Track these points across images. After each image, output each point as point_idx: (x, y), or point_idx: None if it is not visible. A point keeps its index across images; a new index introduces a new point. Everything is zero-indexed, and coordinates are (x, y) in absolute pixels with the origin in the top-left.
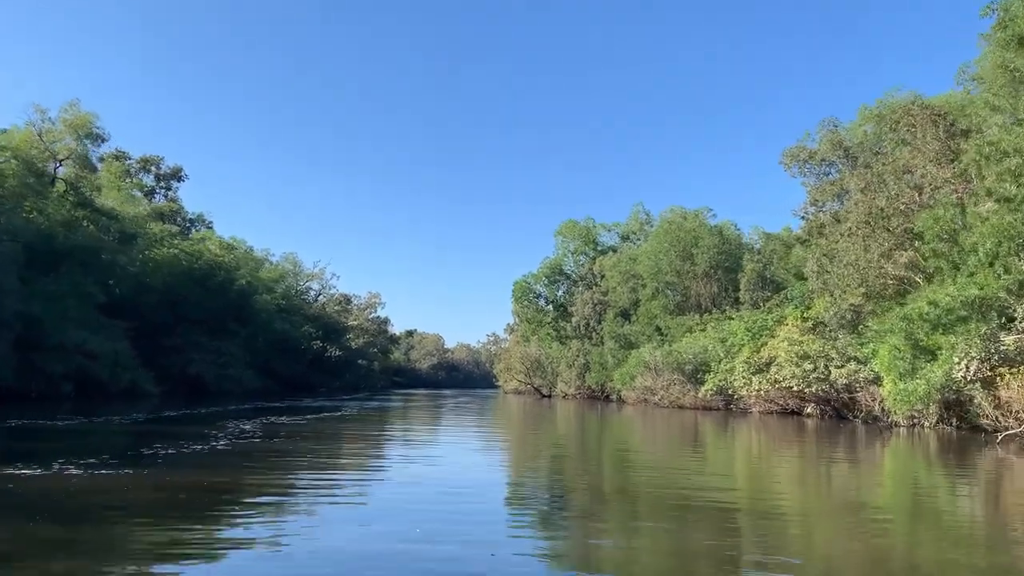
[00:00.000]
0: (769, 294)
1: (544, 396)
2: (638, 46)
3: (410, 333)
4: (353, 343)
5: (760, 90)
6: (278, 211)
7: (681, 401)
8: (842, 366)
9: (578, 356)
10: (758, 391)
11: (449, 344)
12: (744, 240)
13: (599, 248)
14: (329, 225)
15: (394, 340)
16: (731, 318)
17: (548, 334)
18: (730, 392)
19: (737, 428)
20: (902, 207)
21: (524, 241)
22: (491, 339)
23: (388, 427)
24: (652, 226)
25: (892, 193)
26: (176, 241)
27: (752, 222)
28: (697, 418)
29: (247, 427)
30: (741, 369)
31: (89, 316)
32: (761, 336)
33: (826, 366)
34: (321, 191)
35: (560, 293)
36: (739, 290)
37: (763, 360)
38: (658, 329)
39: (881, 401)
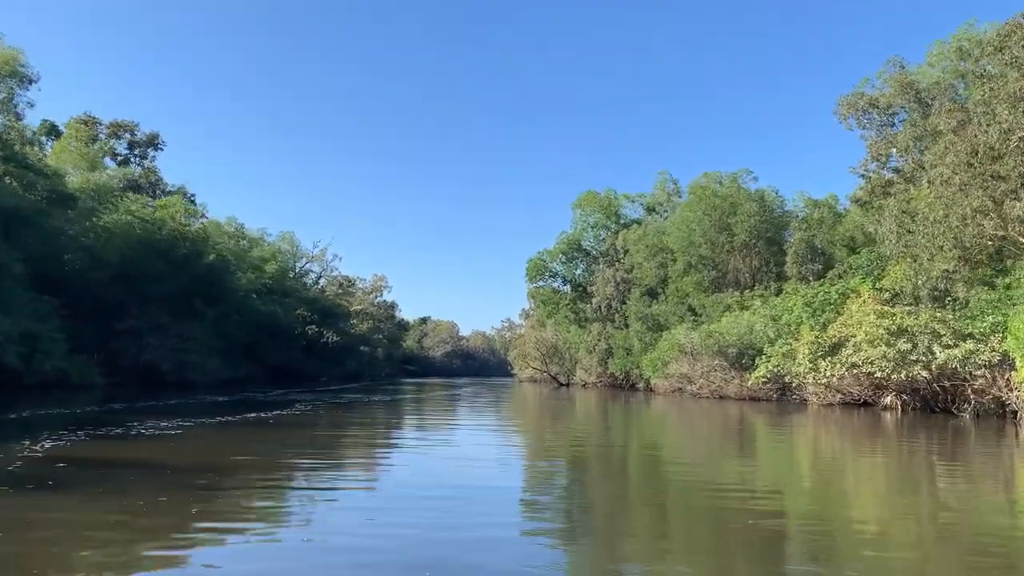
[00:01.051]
0: (819, 267)
1: (562, 385)
2: (651, 10)
3: (423, 320)
4: (357, 328)
5: (782, 63)
6: (285, 195)
7: (724, 390)
8: (953, 345)
9: (599, 340)
10: (828, 377)
11: (464, 332)
12: (787, 208)
13: (622, 221)
14: (343, 210)
15: (403, 326)
16: (785, 292)
17: (566, 317)
18: (786, 379)
19: (797, 424)
20: (1020, 144)
21: (543, 226)
22: (505, 325)
23: (351, 440)
24: (681, 197)
25: (1004, 127)
26: (134, 207)
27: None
28: (744, 411)
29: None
30: (805, 351)
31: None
32: (824, 312)
33: (929, 346)
34: (334, 173)
35: (579, 272)
36: (783, 264)
37: (832, 340)
38: (691, 309)
39: (1009, 388)
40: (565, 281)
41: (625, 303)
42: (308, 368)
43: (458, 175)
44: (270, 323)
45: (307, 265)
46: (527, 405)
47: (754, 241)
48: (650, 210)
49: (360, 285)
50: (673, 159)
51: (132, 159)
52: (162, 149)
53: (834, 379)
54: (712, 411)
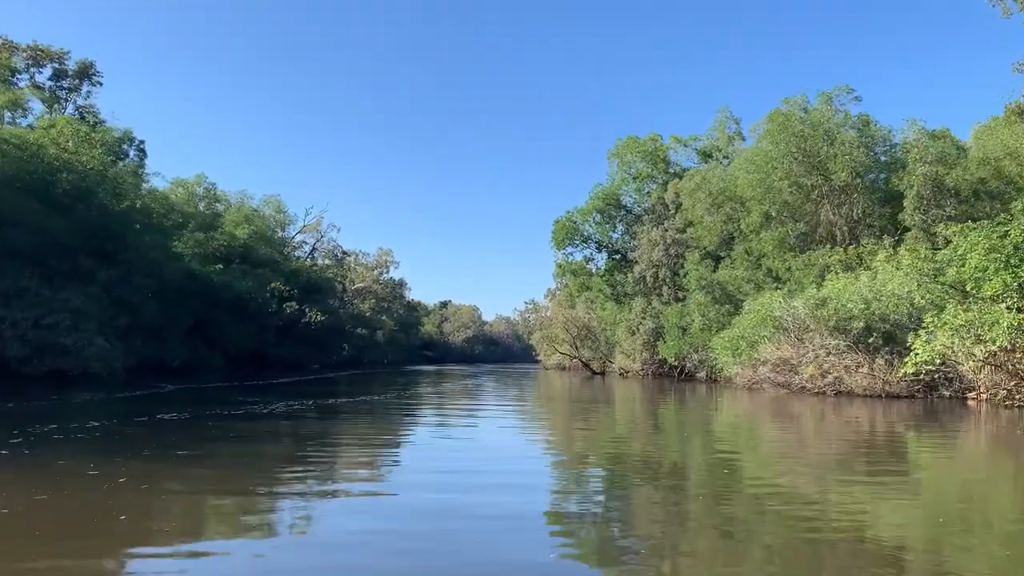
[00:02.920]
0: (950, 212)
1: (595, 373)
2: None
3: (444, 305)
4: (358, 308)
5: None
6: (294, 173)
7: (844, 383)
8: None
9: (643, 319)
10: None
11: (487, 317)
12: (896, 140)
13: (671, 171)
14: (364, 195)
15: (413, 307)
16: (903, 245)
17: (600, 292)
18: (941, 367)
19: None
20: None
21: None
22: (529, 307)
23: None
24: (745, 141)
25: None
26: None
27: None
28: (893, 414)
29: None
30: (1010, 322)
31: None
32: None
33: None
34: (358, 160)
35: (617, 235)
36: (892, 212)
37: None
38: (771, 273)
39: None
40: (600, 247)
41: (678, 272)
42: (284, 354)
43: (484, 155)
44: (231, 297)
45: (298, 236)
46: (559, 406)
47: (856, 182)
48: (705, 156)
49: (364, 260)
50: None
51: (61, 92)
52: (99, 84)
53: None
54: (854, 416)
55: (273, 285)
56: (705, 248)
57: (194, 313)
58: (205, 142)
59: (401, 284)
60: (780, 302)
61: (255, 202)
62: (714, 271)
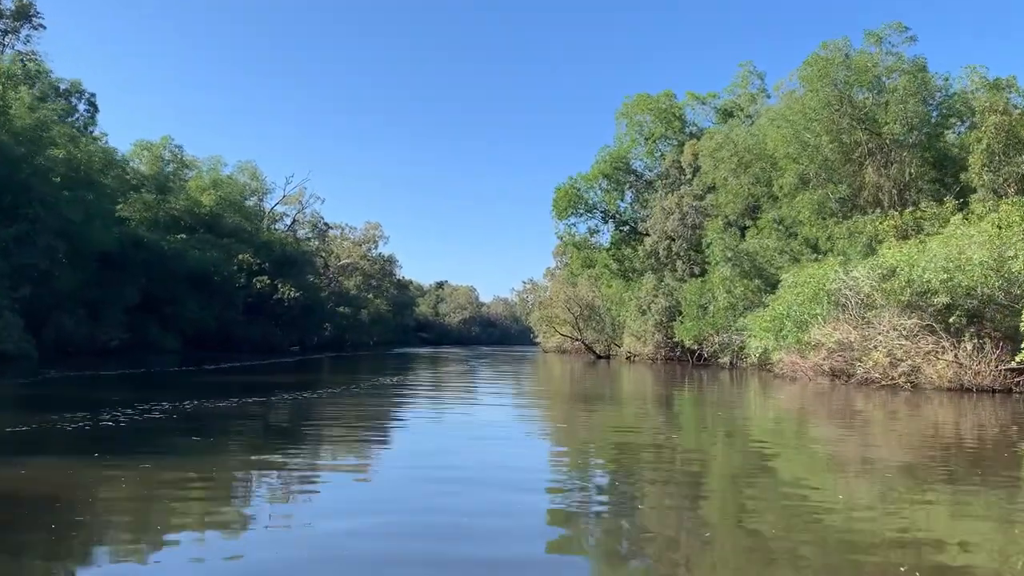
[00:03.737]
0: (1020, 171)
1: (600, 357)
2: None
3: (440, 285)
4: (344, 286)
5: None
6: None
7: (929, 374)
8: None
9: (656, 296)
10: None
11: (485, 299)
12: (953, 90)
13: (688, 131)
14: (362, 176)
15: (403, 285)
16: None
17: (606, 267)
18: None
19: None
20: None
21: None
22: (527, 287)
23: None
24: (770, 99)
25: None
26: None
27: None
28: (994, 411)
29: None
30: None
31: None
32: None
33: None
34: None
35: (625, 204)
36: (951, 173)
37: None
38: (807, 243)
39: None
40: (606, 217)
41: (695, 244)
42: (254, 334)
43: (481, 132)
44: (189, 270)
45: (279, 207)
46: (559, 397)
47: (908, 138)
48: (726, 115)
49: (351, 235)
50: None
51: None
52: (42, 27)
53: None
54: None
55: (241, 257)
56: (727, 217)
57: (142, 287)
58: (202, 121)
59: (391, 260)
60: (837, 272)
61: (228, 169)
62: (741, 241)
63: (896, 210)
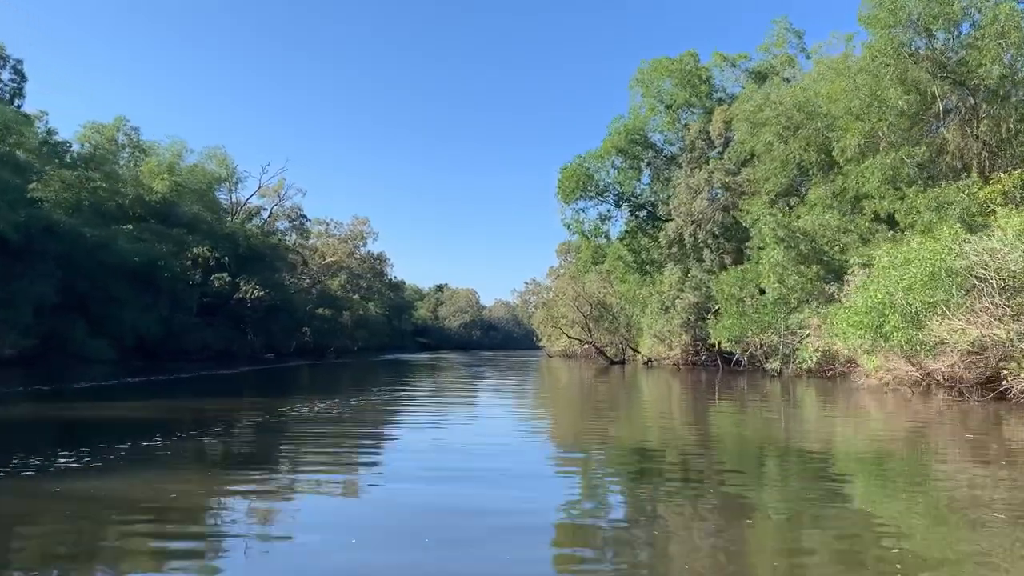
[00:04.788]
0: None
1: (612, 362)
2: None
3: (439, 288)
4: (329, 286)
5: None
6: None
7: None
8: None
9: (682, 290)
10: None
11: (486, 302)
12: None
13: (716, 98)
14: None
15: (395, 286)
16: None
17: (620, 258)
18: None
19: None
20: None
21: None
22: (529, 287)
23: None
24: (810, 58)
25: None
26: None
27: None
28: None
29: None
30: None
31: None
32: None
33: None
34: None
35: (640, 185)
36: None
37: None
38: (877, 217)
39: None
40: (620, 200)
41: (727, 229)
42: (211, 340)
43: (481, 133)
44: (128, 265)
45: (254, 199)
46: (570, 417)
47: (1007, 88)
48: (759, 79)
49: (337, 232)
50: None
51: None
52: None
53: None
54: None
55: (197, 251)
56: (774, 188)
57: (63, 283)
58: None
59: (381, 259)
60: (971, 244)
61: (195, 157)
62: (793, 219)
63: (989, 175)
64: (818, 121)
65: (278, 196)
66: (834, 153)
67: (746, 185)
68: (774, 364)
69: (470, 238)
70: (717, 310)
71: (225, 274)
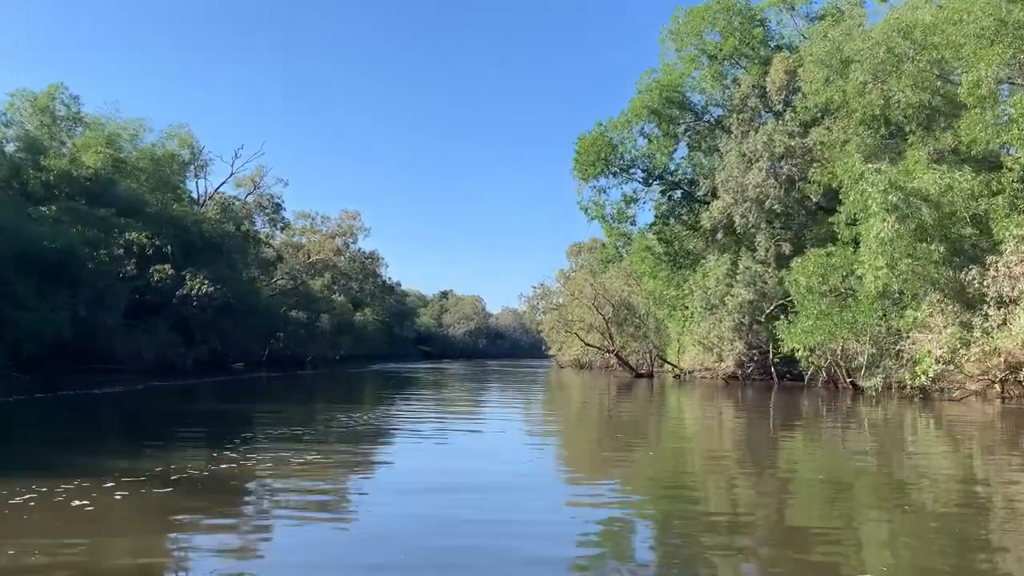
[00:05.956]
0: None
1: (639, 375)
2: None
3: (444, 295)
4: (314, 286)
5: None
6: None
7: None
8: None
9: (730, 285)
10: None
11: (493, 309)
12: None
13: (772, 44)
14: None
15: (389, 288)
16: None
17: (648, 250)
18: None
19: None
20: None
21: None
22: (537, 292)
23: None
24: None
25: None
26: None
27: None
28: None
29: None
30: None
31: None
32: None
33: None
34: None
35: (676, 159)
36: None
37: None
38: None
39: None
40: (650, 177)
41: (790, 208)
42: (145, 346)
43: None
44: (18, 250)
45: (226, 188)
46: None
47: None
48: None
49: (324, 227)
50: None
51: None
52: None
53: None
54: None
55: (132, 237)
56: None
57: None
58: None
59: (374, 257)
60: None
61: (154, 135)
62: (908, 191)
63: None
64: (932, 51)
65: (254, 185)
66: (959, 92)
67: (816, 150)
68: (872, 381)
69: (474, 242)
70: (774, 310)
71: (167, 266)
